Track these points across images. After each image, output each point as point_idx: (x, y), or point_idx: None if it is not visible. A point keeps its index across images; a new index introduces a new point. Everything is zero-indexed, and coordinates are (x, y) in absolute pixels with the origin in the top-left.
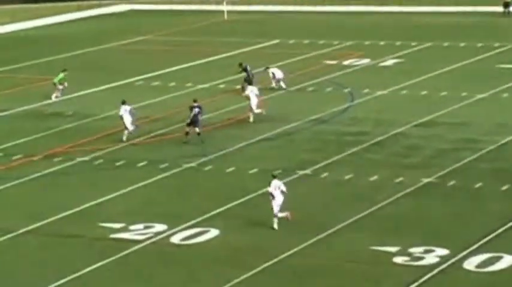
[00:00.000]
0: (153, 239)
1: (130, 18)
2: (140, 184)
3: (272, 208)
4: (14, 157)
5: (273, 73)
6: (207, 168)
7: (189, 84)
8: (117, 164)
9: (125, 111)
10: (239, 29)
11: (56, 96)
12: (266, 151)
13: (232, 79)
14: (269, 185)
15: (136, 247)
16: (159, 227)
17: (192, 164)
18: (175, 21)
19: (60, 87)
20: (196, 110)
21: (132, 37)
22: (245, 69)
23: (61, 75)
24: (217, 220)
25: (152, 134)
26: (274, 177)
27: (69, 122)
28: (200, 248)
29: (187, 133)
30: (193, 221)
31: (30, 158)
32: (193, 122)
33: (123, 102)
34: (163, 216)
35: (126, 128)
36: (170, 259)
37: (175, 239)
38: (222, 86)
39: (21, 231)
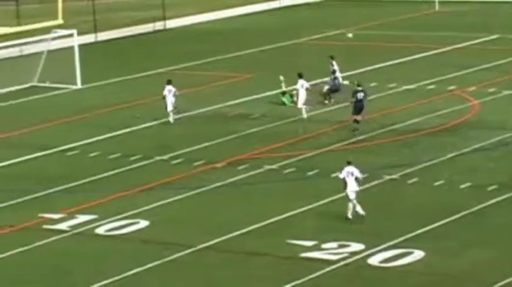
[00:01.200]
0: (349, 260)
1: (325, 9)
2: (335, 197)
3: (349, 197)
4: (195, 163)
5: (334, 69)
6: (411, 180)
7: (392, 85)
8: (309, 173)
9: (169, 91)
10: (452, 22)
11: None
12: (481, 163)
13: (442, 79)
14: (340, 171)
15: (328, 268)
16: (356, 246)
17: (394, 176)
18: (377, 12)
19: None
20: (361, 95)
21: (326, 31)
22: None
23: (283, 84)
24: (422, 241)
25: (351, 140)
26: (349, 163)
27: (256, 125)
28: (402, 272)
29: (355, 121)
30: (394, 241)
31: (213, 165)
32: (359, 109)
33: (169, 82)
34: (360, 234)
35: (166, 108)
36: (367, 283)
37: (374, 260)
38: (431, 87)
39: (200, 246)
